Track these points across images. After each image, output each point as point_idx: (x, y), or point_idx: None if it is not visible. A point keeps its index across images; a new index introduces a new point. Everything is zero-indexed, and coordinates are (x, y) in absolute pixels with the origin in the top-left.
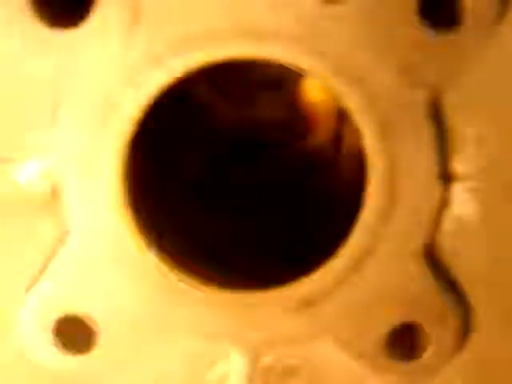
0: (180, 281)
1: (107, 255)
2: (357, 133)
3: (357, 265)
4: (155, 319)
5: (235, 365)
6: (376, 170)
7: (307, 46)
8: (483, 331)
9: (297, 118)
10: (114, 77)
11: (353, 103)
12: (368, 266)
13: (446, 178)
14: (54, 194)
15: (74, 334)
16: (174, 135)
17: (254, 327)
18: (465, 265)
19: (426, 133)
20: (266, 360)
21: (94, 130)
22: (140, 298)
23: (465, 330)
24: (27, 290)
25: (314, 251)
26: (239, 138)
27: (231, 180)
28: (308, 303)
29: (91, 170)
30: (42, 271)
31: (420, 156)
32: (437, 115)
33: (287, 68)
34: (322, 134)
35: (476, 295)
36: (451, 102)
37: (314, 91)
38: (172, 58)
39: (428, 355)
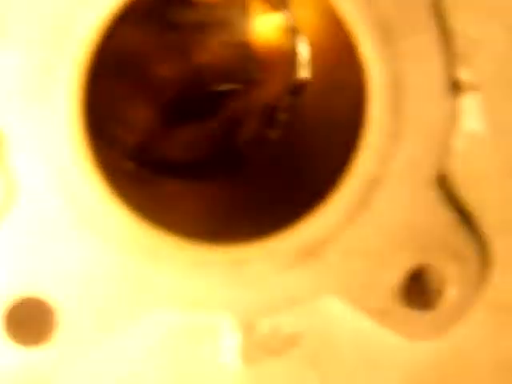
0: (158, 240)
1: (66, 217)
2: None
3: (364, 198)
4: (129, 291)
5: (227, 338)
6: (378, 84)
7: None
8: (501, 265)
9: (248, 63)
10: None
11: (348, 4)
12: (376, 199)
13: (455, 88)
14: None
15: (28, 321)
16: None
17: (247, 289)
18: (477, 192)
19: (430, 37)
20: (263, 329)
21: (42, 56)
22: (109, 267)
23: (483, 265)
24: None
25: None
26: (183, 90)
27: (181, 136)
28: (308, 253)
29: (41, 107)
30: None
31: (425, 65)
32: (440, 16)
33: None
34: (278, 81)
35: (490, 224)
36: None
37: (266, 31)
38: None
39: (450, 298)
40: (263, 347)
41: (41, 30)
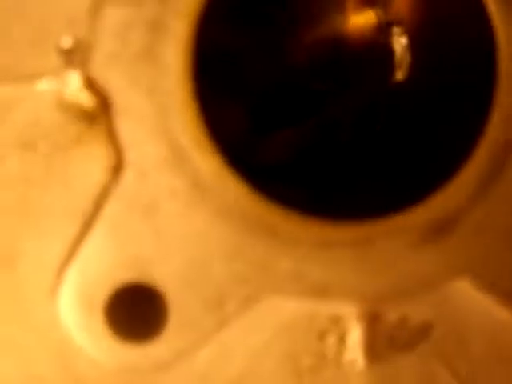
0: (278, 218)
1: (178, 193)
2: None
3: (497, 168)
4: (246, 274)
5: (350, 331)
6: (507, 41)
7: None
8: None
9: (343, 61)
10: None
11: None
12: (510, 168)
13: None
14: (101, 111)
15: (134, 313)
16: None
17: (372, 272)
18: None
19: None
20: (390, 319)
21: (151, 10)
22: (224, 247)
23: None
24: (66, 257)
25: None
26: (278, 90)
27: (278, 139)
28: (438, 230)
29: (150, 69)
30: (86, 226)
31: None
32: None
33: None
34: (373, 80)
35: None
36: None
37: (363, 28)
38: None
39: None
40: (390, 341)
41: None
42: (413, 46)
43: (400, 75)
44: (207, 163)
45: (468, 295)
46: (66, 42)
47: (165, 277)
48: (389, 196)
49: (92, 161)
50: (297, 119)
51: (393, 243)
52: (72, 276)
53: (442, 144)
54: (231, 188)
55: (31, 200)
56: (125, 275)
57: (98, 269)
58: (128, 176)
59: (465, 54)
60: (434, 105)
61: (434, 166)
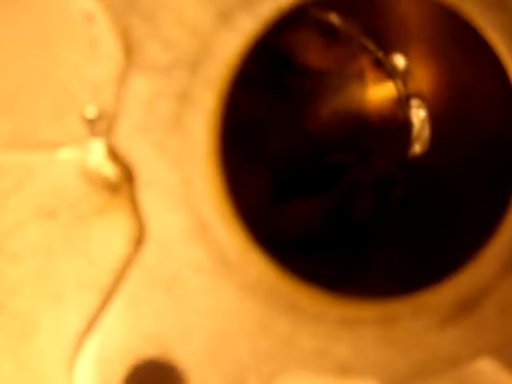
0: (301, 294)
1: (200, 266)
2: None
3: None
4: (268, 353)
5: None
6: None
7: None
8: None
9: (362, 133)
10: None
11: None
12: None
13: None
14: (125, 181)
15: None
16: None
17: (397, 352)
18: None
19: None
20: None
21: (178, 81)
22: (245, 323)
23: None
24: (85, 330)
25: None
26: (296, 162)
27: (294, 212)
28: (463, 308)
29: (175, 140)
30: (106, 299)
31: None
32: None
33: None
34: (391, 154)
35: None
36: None
37: (381, 101)
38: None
39: None
40: None
41: (179, 52)
42: (433, 119)
43: (418, 148)
44: (231, 237)
45: (490, 375)
46: (91, 111)
47: (186, 353)
48: (412, 273)
49: (114, 232)
50: (317, 190)
51: (417, 322)
52: (90, 350)
53: (465, 220)
54: (255, 264)
55: (50, 270)
56: (144, 351)
57: (117, 343)
58: (150, 248)
59: (487, 127)
60: (456, 179)
61: (457, 242)
